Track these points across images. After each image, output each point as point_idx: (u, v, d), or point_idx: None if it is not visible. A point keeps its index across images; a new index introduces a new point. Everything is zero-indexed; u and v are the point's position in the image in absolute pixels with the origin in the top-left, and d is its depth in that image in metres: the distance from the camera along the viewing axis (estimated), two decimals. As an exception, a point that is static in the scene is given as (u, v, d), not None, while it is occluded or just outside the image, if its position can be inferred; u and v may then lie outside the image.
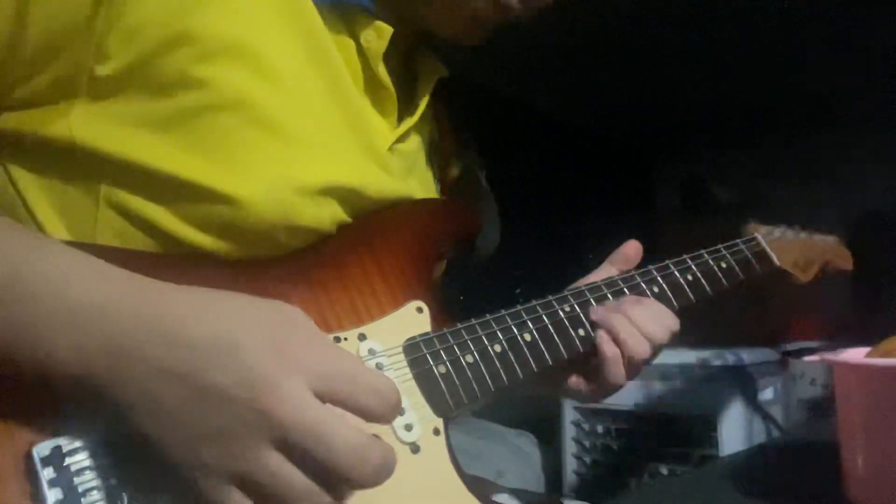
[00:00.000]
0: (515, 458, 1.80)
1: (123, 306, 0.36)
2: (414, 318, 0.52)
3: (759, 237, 0.73)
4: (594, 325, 0.58)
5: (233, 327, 0.36)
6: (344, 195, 0.51)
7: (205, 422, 0.34)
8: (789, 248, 0.76)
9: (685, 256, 0.65)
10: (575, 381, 0.62)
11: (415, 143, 0.62)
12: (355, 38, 0.57)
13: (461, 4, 0.57)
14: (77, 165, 0.44)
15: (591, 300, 0.58)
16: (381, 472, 0.36)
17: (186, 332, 0.35)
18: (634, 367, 0.58)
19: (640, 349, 0.56)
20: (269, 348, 0.35)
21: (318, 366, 0.36)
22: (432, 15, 0.59)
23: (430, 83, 0.62)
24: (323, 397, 0.36)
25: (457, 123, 0.69)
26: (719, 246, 0.69)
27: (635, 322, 0.56)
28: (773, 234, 0.76)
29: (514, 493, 0.69)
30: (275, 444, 0.34)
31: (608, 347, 0.56)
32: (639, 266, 0.64)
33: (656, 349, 0.58)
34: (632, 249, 0.65)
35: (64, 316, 0.35)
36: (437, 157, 0.67)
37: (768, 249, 0.72)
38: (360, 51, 0.57)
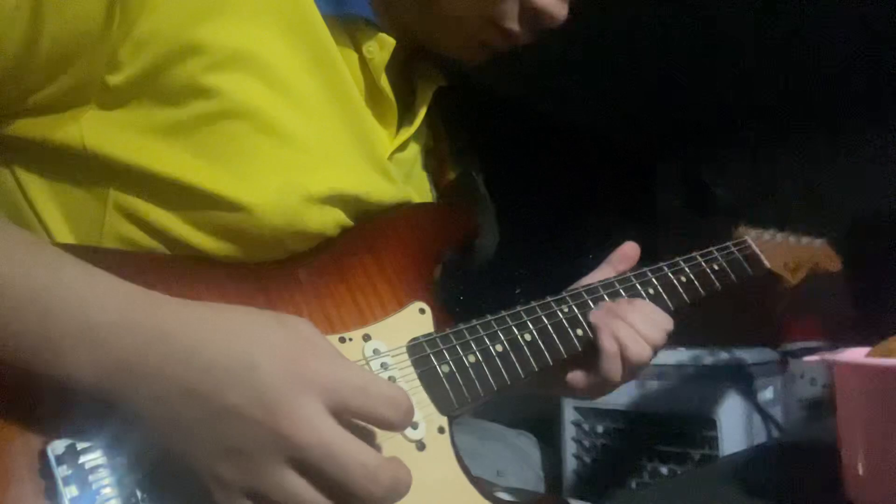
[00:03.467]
0: (515, 458, 1.80)
1: (139, 323, 0.36)
2: (417, 319, 0.53)
3: (750, 240, 0.74)
4: (593, 327, 0.59)
5: (248, 347, 0.37)
6: (348, 202, 0.52)
7: (222, 439, 0.35)
8: (779, 250, 0.77)
9: (678, 258, 0.67)
10: (572, 377, 0.63)
11: (412, 152, 0.63)
12: (358, 48, 0.58)
13: (470, 32, 0.58)
14: (86, 171, 0.45)
15: (589, 301, 0.60)
16: (392, 492, 0.37)
17: (203, 352, 0.36)
18: (632, 370, 0.59)
19: (640, 351, 0.57)
20: (285, 368, 0.36)
21: (333, 382, 0.37)
22: (440, 39, 0.60)
23: (429, 92, 0.63)
24: (339, 413, 0.37)
25: (455, 127, 0.69)
26: (711, 248, 0.70)
27: (635, 326, 0.57)
28: (763, 237, 0.77)
29: (514, 492, 0.69)
30: (290, 463, 0.35)
31: (608, 342, 0.57)
32: (636, 267, 0.65)
33: (654, 351, 0.59)
34: (630, 250, 0.66)
35: (81, 333, 0.35)
36: (432, 163, 0.68)
37: (758, 252, 0.74)
38: (363, 61, 0.58)
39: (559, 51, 1.89)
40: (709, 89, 2.36)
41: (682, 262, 0.67)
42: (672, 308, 0.63)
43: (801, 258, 0.80)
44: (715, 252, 0.70)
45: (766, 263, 0.74)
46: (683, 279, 0.65)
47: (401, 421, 0.38)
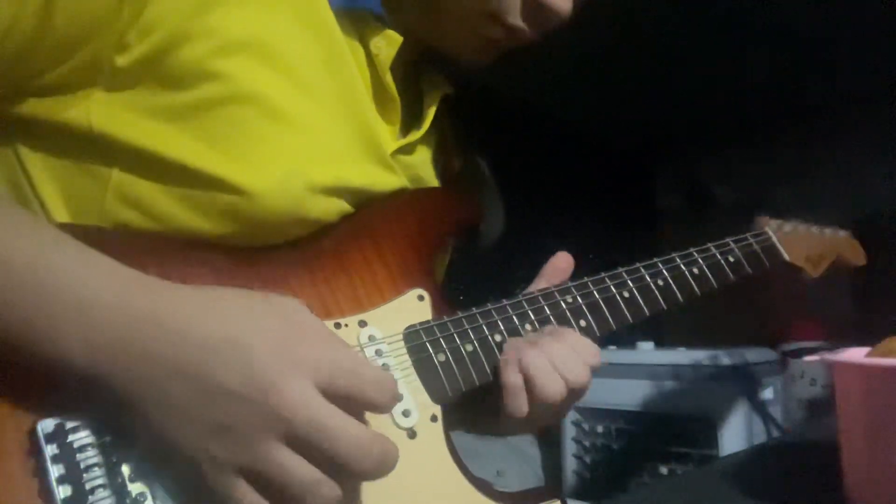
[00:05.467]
0: (515, 457, 1.80)
1: (133, 305, 0.37)
2: (415, 306, 0.52)
3: (770, 231, 0.71)
4: (501, 360, 0.51)
5: (240, 328, 0.37)
6: (352, 193, 0.52)
7: (213, 417, 0.35)
8: (800, 242, 0.74)
9: (692, 250, 0.64)
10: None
11: (419, 157, 0.62)
12: (364, 43, 0.58)
13: (475, 29, 0.57)
14: (90, 152, 0.45)
15: (594, 291, 0.58)
16: (382, 464, 0.37)
17: (195, 333, 0.36)
18: (545, 408, 0.50)
19: (551, 385, 0.49)
20: (276, 349, 0.37)
21: (323, 363, 0.37)
22: (445, 37, 0.59)
23: (436, 98, 0.62)
24: (328, 393, 0.37)
25: (460, 128, 0.69)
26: (727, 239, 0.67)
27: (552, 357, 0.50)
28: (784, 228, 0.74)
29: (514, 495, 0.68)
30: (282, 439, 0.36)
31: (511, 376, 0.50)
32: (643, 259, 0.61)
33: (572, 390, 0.50)
34: (562, 262, 0.60)
35: (74, 312, 0.36)
36: (440, 167, 0.67)
37: (778, 244, 0.71)
38: (369, 57, 0.57)
39: (561, 53, 1.89)
40: (709, 90, 2.36)
41: (695, 254, 0.64)
42: (682, 300, 0.61)
43: (823, 250, 0.76)
44: (731, 243, 0.67)
45: (786, 255, 0.71)
46: (696, 271, 0.62)
47: (386, 404, 0.39)
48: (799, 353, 1.85)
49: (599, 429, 1.82)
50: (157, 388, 0.36)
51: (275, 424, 0.35)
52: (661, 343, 1.89)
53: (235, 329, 0.37)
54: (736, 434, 1.58)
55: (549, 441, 1.91)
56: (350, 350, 0.40)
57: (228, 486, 0.36)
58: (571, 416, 1.84)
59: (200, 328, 0.36)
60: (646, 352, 1.82)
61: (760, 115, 2.53)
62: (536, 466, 1.87)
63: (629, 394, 1.73)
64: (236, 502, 0.36)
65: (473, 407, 0.58)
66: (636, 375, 1.74)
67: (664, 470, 1.69)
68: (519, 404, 0.50)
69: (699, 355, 1.68)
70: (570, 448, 1.87)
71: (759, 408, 1.62)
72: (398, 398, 0.40)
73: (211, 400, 0.35)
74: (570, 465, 1.86)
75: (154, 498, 0.38)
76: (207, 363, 0.36)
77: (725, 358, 1.64)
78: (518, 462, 1.79)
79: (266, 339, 0.37)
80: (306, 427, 0.36)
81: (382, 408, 0.39)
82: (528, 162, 2.22)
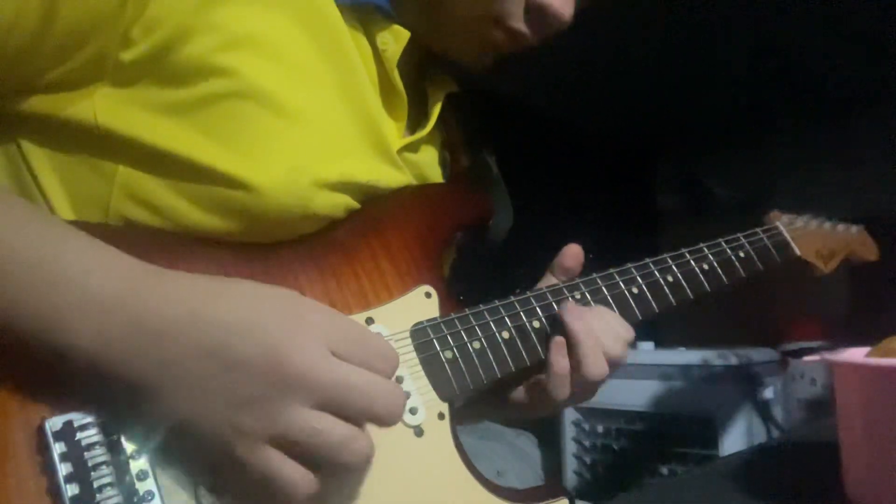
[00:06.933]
0: (515, 457, 1.80)
1: (143, 290, 0.37)
2: (422, 303, 0.52)
3: (781, 226, 0.71)
4: (557, 329, 0.54)
5: (249, 308, 0.38)
6: (358, 189, 0.52)
7: (238, 392, 0.36)
8: (812, 237, 0.73)
9: (701, 245, 0.63)
10: (521, 393, 0.58)
11: (424, 156, 0.62)
12: (372, 39, 0.58)
13: (475, 33, 0.57)
14: (96, 148, 0.45)
15: (603, 287, 0.57)
16: (401, 413, 0.40)
17: (207, 313, 0.37)
18: (585, 387, 0.54)
19: (598, 367, 0.52)
20: (287, 320, 0.38)
21: (332, 333, 0.38)
22: (447, 40, 0.59)
23: (440, 97, 0.62)
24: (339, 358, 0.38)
25: (466, 126, 0.69)
26: (738, 235, 0.66)
27: (598, 337, 0.52)
28: (795, 224, 0.73)
29: (521, 493, 0.68)
30: (309, 403, 0.36)
31: (560, 360, 0.53)
32: (654, 255, 0.61)
33: (612, 366, 0.53)
34: (570, 259, 0.60)
35: (85, 304, 0.36)
36: (446, 167, 0.67)
37: (789, 239, 0.70)
38: (376, 53, 0.58)
39: (561, 52, 1.89)
40: (708, 89, 2.36)
41: (705, 249, 0.63)
42: (691, 296, 0.60)
43: (835, 246, 0.75)
44: (742, 239, 0.66)
45: (797, 251, 0.70)
46: (706, 266, 0.62)
47: (391, 375, 0.40)
48: (799, 353, 1.85)
49: (599, 429, 1.82)
50: (176, 369, 0.36)
51: (298, 389, 0.36)
52: (661, 343, 1.89)
53: (245, 309, 0.38)
54: (736, 434, 1.58)
55: (549, 441, 1.91)
56: (357, 322, 0.41)
57: (261, 458, 0.36)
58: (571, 415, 1.84)
59: (212, 309, 0.37)
60: (646, 352, 1.82)
61: (760, 114, 2.53)
62: (536, 466, 1.87)
63: (629, 394, 1.73)
64: (271, 473, 0.36)
65: (478, 400, 0.58)
66: (636, 375, 1.74)
67: (664, 470, 1.70)
68: (563, 389, 0.53)
69: (699, 355, 1.68)
70: (570, 448, 1.87)
71: (760, 408, 1.62)
72: (396, 369, 0.41)
73: (232, 374, 0.36)
74: (570, 465, 1.86)
75: (162, 495, 0.38)
76: (223, 339, 0.36)
77: (726, 358, 1.64)
78: (518, 462, 1.79)
79: (276, 315, 0.38)
80: (337, 387, 0.37)
81: (388, 377, 0.40)
82: (527, 161, 2.22)
